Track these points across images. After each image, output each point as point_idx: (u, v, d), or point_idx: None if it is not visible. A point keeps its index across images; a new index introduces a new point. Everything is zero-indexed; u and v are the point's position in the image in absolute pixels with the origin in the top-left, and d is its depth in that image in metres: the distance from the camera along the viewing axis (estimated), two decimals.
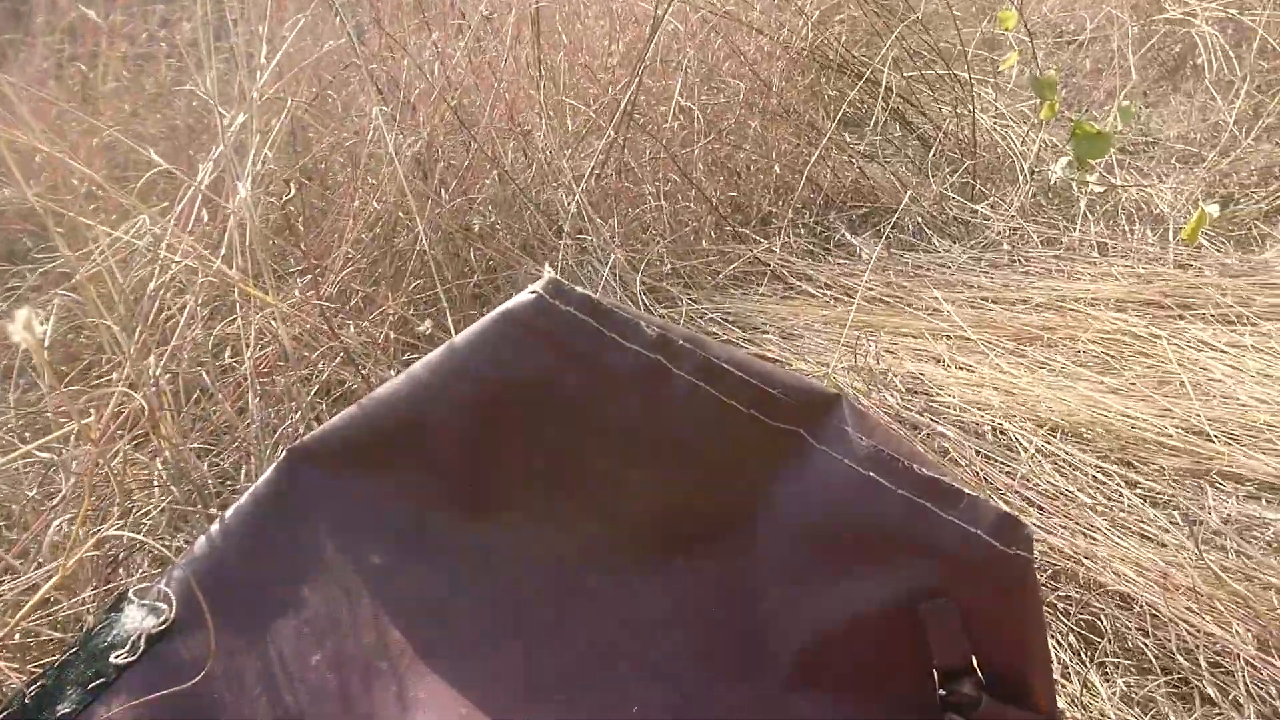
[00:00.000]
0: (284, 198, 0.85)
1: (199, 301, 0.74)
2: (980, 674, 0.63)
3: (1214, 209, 1.40)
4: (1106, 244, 1.48)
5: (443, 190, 1.02)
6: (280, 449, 0.73)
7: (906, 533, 0.64)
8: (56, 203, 0.87)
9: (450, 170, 1.05)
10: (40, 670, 0.58)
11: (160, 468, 0.70)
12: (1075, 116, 1.83)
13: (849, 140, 1.77)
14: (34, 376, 0.77)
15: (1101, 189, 1.67)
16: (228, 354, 0.81)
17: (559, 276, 0.69)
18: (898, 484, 0.64)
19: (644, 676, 0.67)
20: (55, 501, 0.64)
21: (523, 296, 0.69)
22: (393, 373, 0.87)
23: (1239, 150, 1.77)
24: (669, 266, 1.25)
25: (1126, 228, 1.54)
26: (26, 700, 0.57)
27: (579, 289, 0.69)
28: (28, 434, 0.76)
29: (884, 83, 1.79)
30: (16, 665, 0.61)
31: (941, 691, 0.63)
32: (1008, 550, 0.62)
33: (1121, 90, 2.01)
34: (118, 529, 0.65)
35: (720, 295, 1.26)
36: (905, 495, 0.64)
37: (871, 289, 1.33)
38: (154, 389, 0.68)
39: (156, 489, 0.72)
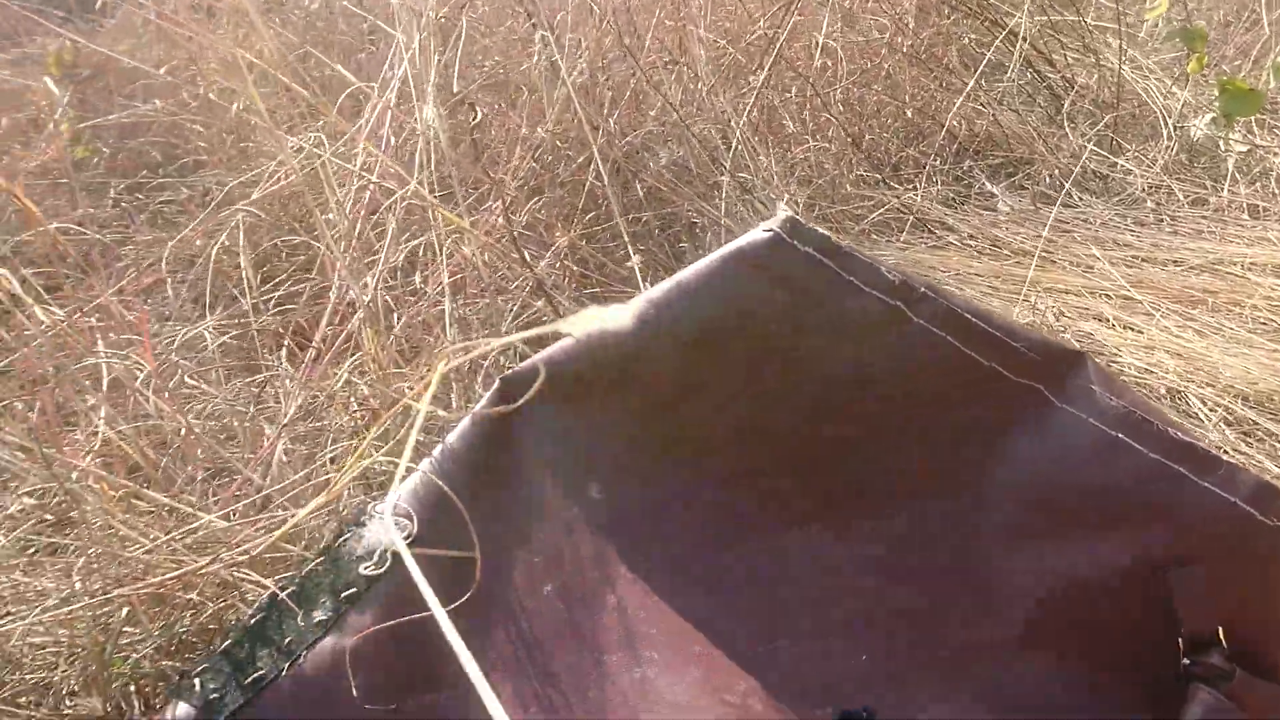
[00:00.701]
0: (470, 120, 0.83)
1: (398, 222, 0.73)
2: (1227, 647, 0.61)
3: None
4: (1260, 207, 1.43)
5: (609, 119, 0.99)
6: (490, 379, 0.71)
7: (1154, 497, 0.62)
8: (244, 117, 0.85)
9: (613, 100, 1.03)
10: (287, 580, 0.58)
11: (366, 388, 0.70)
12: (1217, 72, 1.75)
13: (982, 86, 1.71)
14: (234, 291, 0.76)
15: (1245, 149, 1.61)
16: (417, 279, 0.80)
17: (794, 215, 0.67)
18: (1150, 447, 0.62)
19: (863, 627, 0.66)
20: (282, 425, 0.63)
21: (756, 234, 0.67)
22: (578, 303, 0.86)
23: None
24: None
25: (1278, 190, 1.48)
26: (279, 604, 0.56)
27: (817, 228, 0.66)
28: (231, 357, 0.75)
29: (1021, 33, 1.72)
30: (255, 574, 0.60)
31: (1186, 661, 0.61)
32: (1265, 520, 0.60)
33: (1258, 46, 1.92)
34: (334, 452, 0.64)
35: (867, 243, 1.23)
36: (1158, 459, 0.62)
37: (1019, 242, 1.30)
38: (369, 308, 0.67)
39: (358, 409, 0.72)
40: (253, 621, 0.57)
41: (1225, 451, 0.89)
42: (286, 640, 0.56)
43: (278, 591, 0.56)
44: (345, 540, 0.61)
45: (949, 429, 0.66)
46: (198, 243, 0.91)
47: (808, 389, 0.68)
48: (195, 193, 1.14)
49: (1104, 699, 0.63)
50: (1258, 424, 0.91)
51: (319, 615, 0.58)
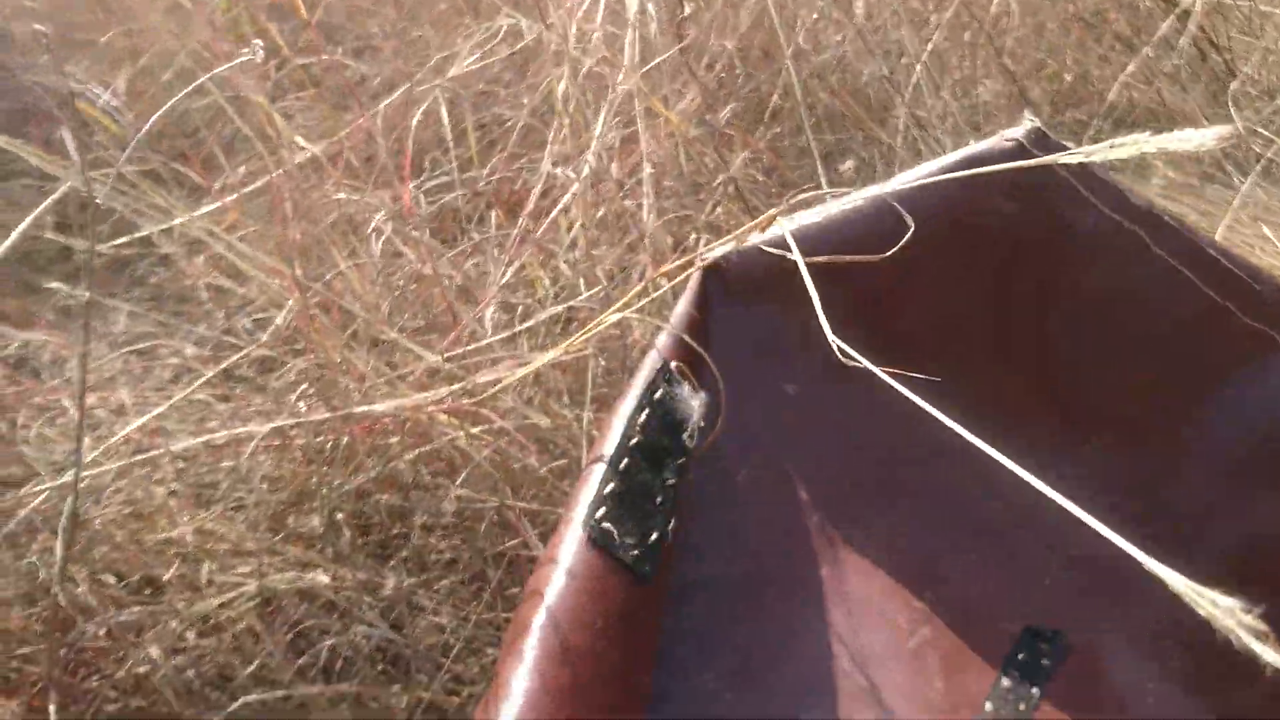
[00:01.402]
0: (679, 15, 0.82)
1: (613, 109, 0.72)
2: None
3: None
4: None
5: (799, 38, 0.98)
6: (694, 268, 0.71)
7: None
8: None
9: (800, 22, 1.01)
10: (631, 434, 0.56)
11: (573, 263, 0.70)
12: None
13: (1147, 59, 1.65)
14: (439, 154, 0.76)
15: None
16: (615, 170, 0.79)
17: (1041, 126, 0.65)
18: None
19: (1056, 554, 0.65)
20: (497, 285, 0.64)
21: (998, 140, 0.66)
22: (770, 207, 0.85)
23: None
24: None
25: None
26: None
27: (1065, 143, 0.65)
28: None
29: (1185, 7, 1.66)
30: (466, 427, 0.61)
31: None
32: None
33: None
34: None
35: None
36: None
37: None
38: (586, 181, 0.67)
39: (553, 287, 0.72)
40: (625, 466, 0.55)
41: None
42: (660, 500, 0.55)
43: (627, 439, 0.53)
44: (668, 394, 0.59)
45: (1170, 363, 0.65)
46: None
47: (1034, 307, 0.67)
48: (369, 75, 1.15)
49: None
50: None
51: (670, 479, 0.56)
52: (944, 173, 0.66)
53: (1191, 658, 0.62)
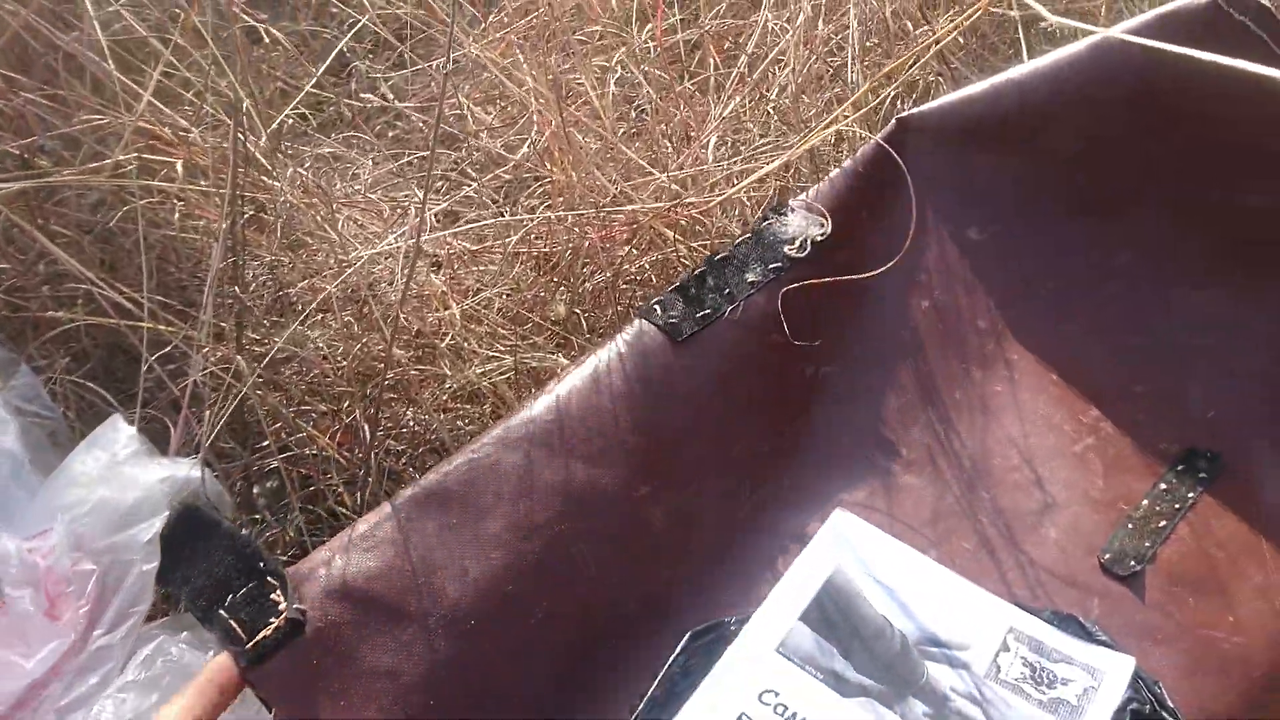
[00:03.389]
0: None
1: None
2: None
3: None
4: None
5: None
6: (888, 118, 0.77)
7: None
8: None
9: None
10: (725, 246, 0.68)
11: (783, 103, 0.77)
12: None
13: None
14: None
15: None
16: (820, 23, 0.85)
17: None
18: None
19: (1222, 387, 0.70)
20: (720, 118, 0.73)
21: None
22: (975, 72, 0.89)
23: None
24: None
25: None
26: (721, 263, 0.67)
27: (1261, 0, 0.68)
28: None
29: None
30: (685, 242, 0.71)
31: None
32: None
33: None
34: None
35: None
36: None
37: None
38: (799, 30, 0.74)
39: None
40: (698, 272, 0.67)
41: None
42: (726, 290, 0.66)
43: (715, 253, 0.67)
44: (770, 223, 0.70)
45: None
46: None
47: (1219, 162, 0.70)
48: None
49: None
50: None
51: (751, 277, 0.67)
52: (1139, 30, 0.70)
53: None
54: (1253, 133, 0.68)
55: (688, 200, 0.68)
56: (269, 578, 0.49)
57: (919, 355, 0.71)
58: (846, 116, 0.64)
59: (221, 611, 0.48)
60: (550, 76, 0.68)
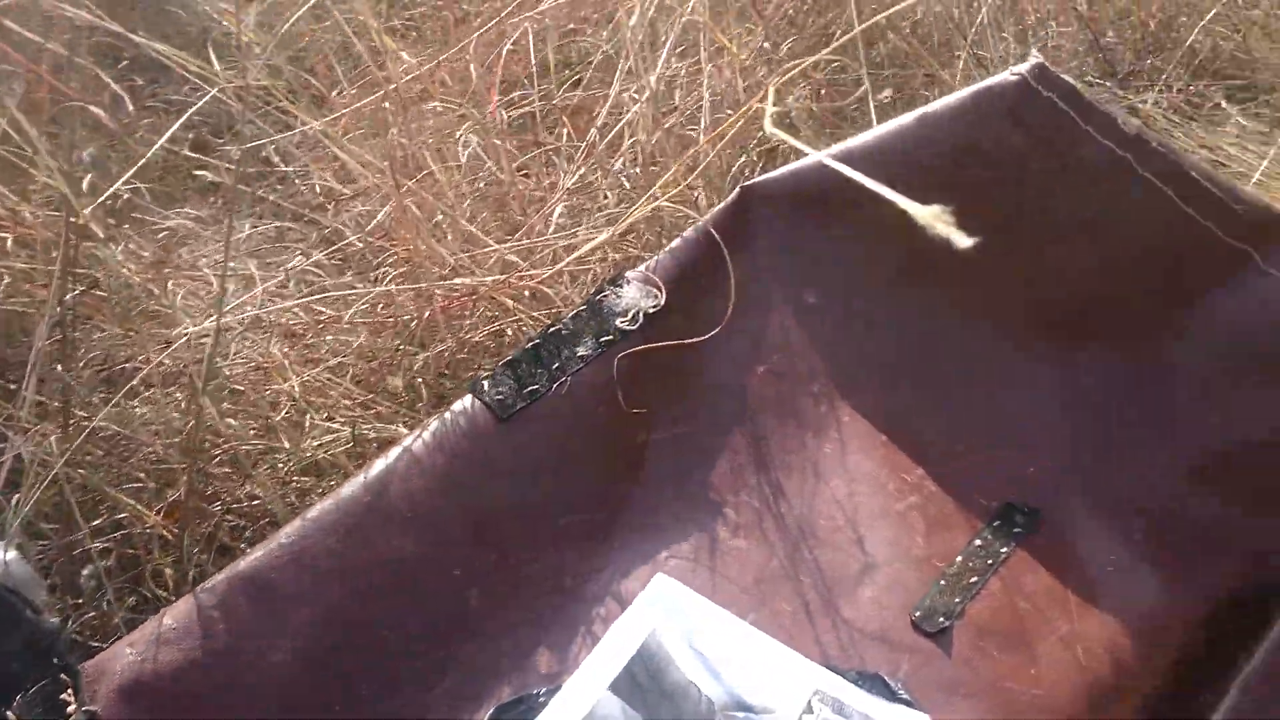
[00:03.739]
0: None
1: (674, 36, 0.81)
2: None
3: None
4: None
5: None
6: (732, 186, 0.80)
7: None
8: None
9: None
10: (554, 320, 0.70)
11: (626, 182, 0.80)
12: None
13: (1236, 6, 1.65)
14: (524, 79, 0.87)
15: None
16: (678, 96, 0.89)
17: (1043, 62, 0.72)
18: None
19: (1041, 444, 0.73)
20: (564, 189, 0.75)
21: (1005, 76, 0.73)
22: (822, 138, 0.93)
23: None
24: None
25: None
26: (552, 336, 0.68)
27: (1064, 77, 0.72)
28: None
29: None
30: (523, 309, 0.73)
31: None
32: None
33: None
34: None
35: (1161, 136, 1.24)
36: None
37: (1247, 161, 1.28)
38: (647, 98, 0.76)
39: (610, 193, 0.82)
40: (530, 346, 0.69)
41: None
42: (555, 365, 0.68)
43: (549, 325, 0.68)
44: (605, 296, 0.72)
45: (1156, 279, 0.71)
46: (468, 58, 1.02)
47: (1035, 228, 0.74)
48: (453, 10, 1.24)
49: (1260, 536, 0.69)
50: None
51: (581, 351, 0.69)
52: (956, 105, 0.74)
53: (1151, 533, 0.69)
54: (1058, 202, 0.72)
55: (526, 272, 0.69)
56: (63, 674, 0.49)
57: (754, 419, 0.73)
58: (677, 184, 0.65)
59: (9, 713, 0.47)
60: (391, 152, 0.69)
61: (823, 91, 0.95)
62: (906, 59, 1.10)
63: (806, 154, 0.77)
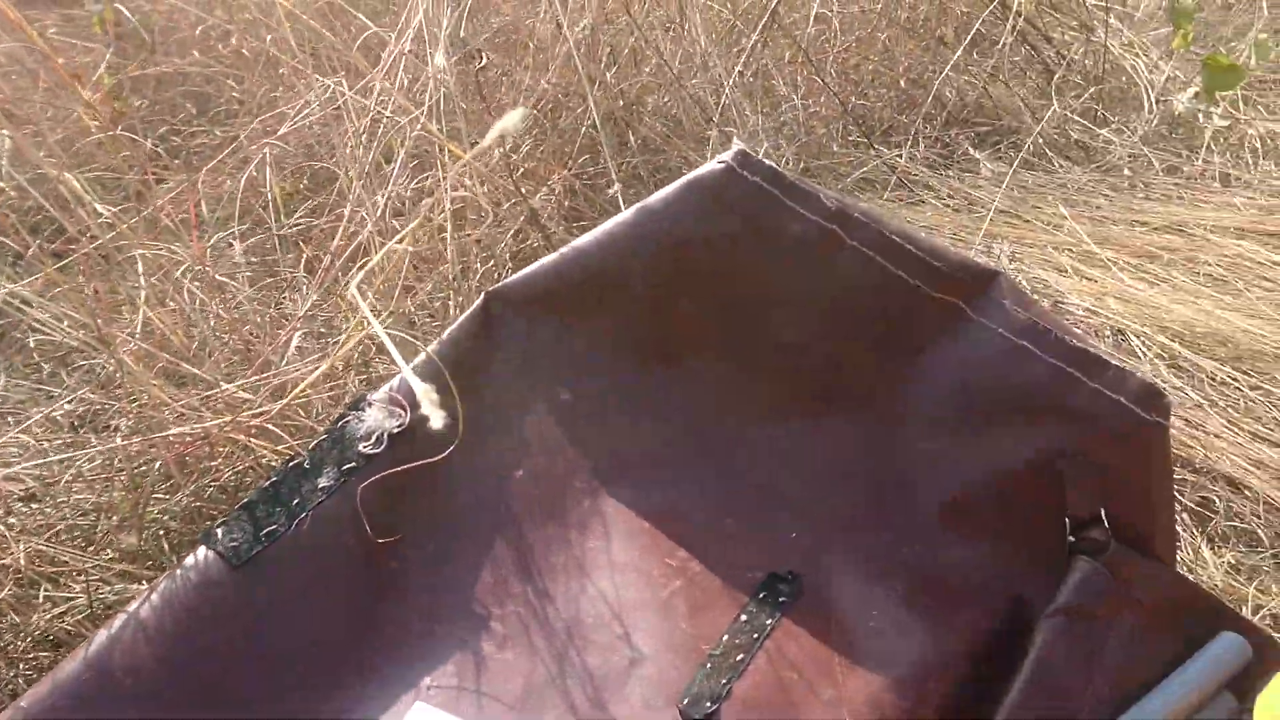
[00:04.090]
0: (476, 66, 0.92)
1: (406, 150, 0.82)
2: (1108, 525, 0.70)
3: None
4: (1230, 175, 1.50)
5: (606, 73, 1.09)
6: (478, 292, 0.81)
7: (1052, 397, 0.70)
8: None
9: (611, 56, 1.12)
10: (295, 452, 0.68)
11: (374, 298, 0.80)
12: (1202, 50, 1.82)
13: (975, 60, 1.78)
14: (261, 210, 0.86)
15: (1226, 122, 1.67)
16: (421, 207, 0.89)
17: (745, 148, 0.76)
18: (1048, 353, 0.71)
19: (801, 511, 0.75)
20: (298, 317, 0.74)
21: (712, 165, 0.76)
22: (569, 232, 0.95)
23: None
24: (802, 167, 1.31)
25: (1250, 161, 1.55)
26: (291, 471, 0.67)
27: (765, 161, 0.76)
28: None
29: (1014, 6, 1.79)
30: (268, 445, 0.71)
31: (1072, 539, 0.70)
32: (1147, 416, 0.69)
33: (1251, 27, 1.97)
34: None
35: (849, 198, 1.32)
36: (1055, 363, 0.70)
37: (996, 203, 1.38)
38: (378, 220, 0.77)
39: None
40: (268, 484, 0.67)
41: (1158, 380, 0.97)
42: (294, 501, 0.67)
43: (290, 459, 0.67)
44: (347, 422, 0.71)
45: (880, 342, 0.75)
46: (227, 183, 1.01)
47: (761, 305, 0.77)
48: (226, 138, 1.24)
49: (1009, 574, 0.72)
50: (1188, 359, 0.99)
51: (323, 482, 0.68)
52: (671, 196, 0.77)
53: (911, 585, 0.72)
54: (779, 278, 0.76)
55: (259, 409, 0.68)
56: None
57: (516, 526, 0.72)
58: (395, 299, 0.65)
59: None
60: (91, 307, 0.67)
61: (576, 187, 0.97)
62: (662, 144, 1.14)
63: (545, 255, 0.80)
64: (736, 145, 0.76)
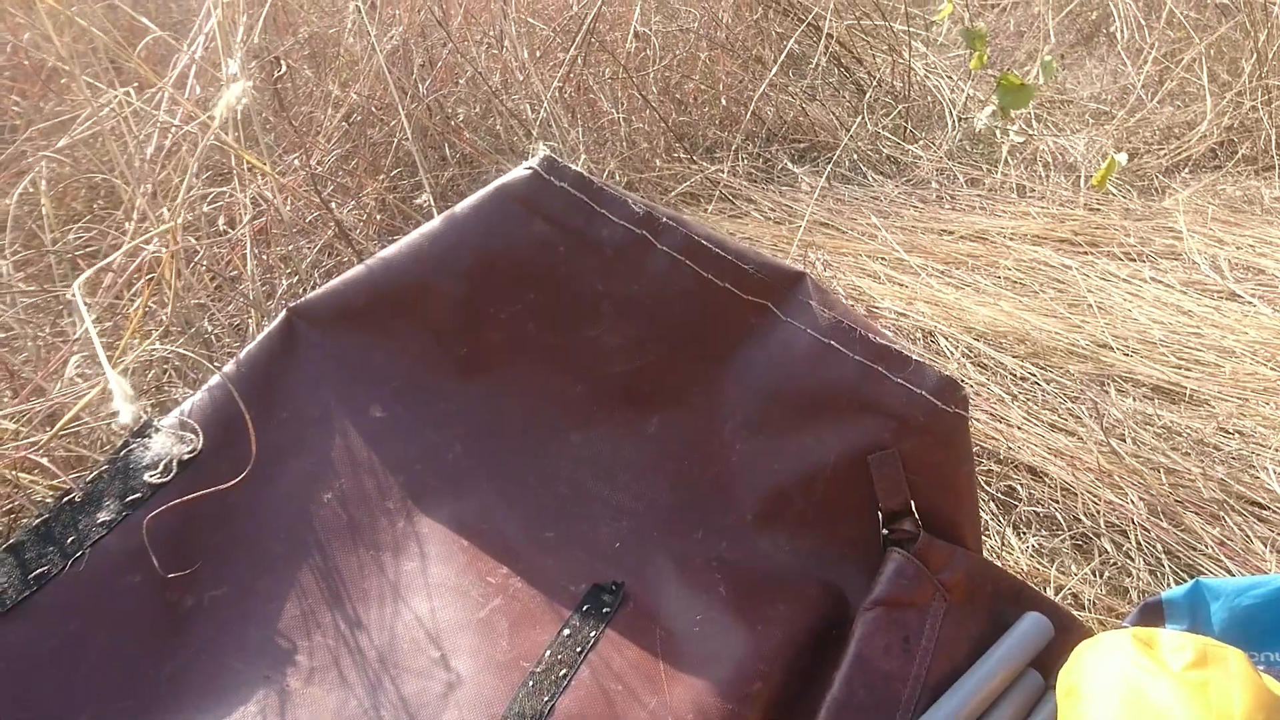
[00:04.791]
0: (275, 75, 0.88)
1: (199, 162, 0.78)
2: (917, 516, 0.72)
3: (1123, 157, 1.52)
4: (1025, 187, 1.60)
5: (419, 85, 1.06)
6: (280, 309, 0.77)
7: (859, 393, 0.72)
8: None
9: (425, 69, 1.09)
10: (70, 486, 0.62)
11: (167, 317, 0.74)
12: (997, 73, 1.94)
13: (792, 79, 1.84)
14: (35, 227, 0.80)
15: (1021, 139, 1.79)
16: (221, 222, 0.85)
17: (551, 154, 0.75)
18: (853, 350, 0.72)
19: (622, 517, 0.74)
20: (76, 336, 0.68)
21: (519, 171, 0.75)
22: (381, 247, 0.91)
23: (1144, 111, 1.91)
24: (625, 180, 1.32)
25: (1043, 174, 1.66)
26: (66, 506, 0.61)
27: (572, 166, 0.75)
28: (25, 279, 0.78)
29: (825, 29, 1.87)
30: (41, 480, 0.65)
31: (885, 531, 0.72)
32: (947, 408, 0.71)
33: (1041, 52, 2.12)
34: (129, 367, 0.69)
35: (672, 210, 1.33)
36: (860, 360, 0.72)
37: (813, 215, 1.42)
38: (166, 236, 0.72)
39: (158, 336, 0.76)
40: (38, 522, 0.61)
41: (964, 377, 1.02)
42: (69, 540, 0.61)
43: (64, 493, 0.61)
44: (131, 450, 0.66)
45: (692, 343, 0.75)
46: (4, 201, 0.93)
47: (573, 310, 0.76)
48: (9, 156, 1.15)
49: (827, 568, 0.73)
50: (991, 356, 1.04)
51: (103, 517, 0.62)
52: (478, 204, 0.75)
53: (732, 584, 0.71)
54: (589, 283, 0.75)
55: (28, 439, 0.62)
56: None
57: (324, 552, 0.69)
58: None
59: None
60: None
61: (389, 200, 0.93)
62: (480, 158, 1.12)
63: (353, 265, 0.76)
64: (542, 151, 0.75)
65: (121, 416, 0.48)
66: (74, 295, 0.53)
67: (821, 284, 0.76)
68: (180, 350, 0.67)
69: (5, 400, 0.66)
